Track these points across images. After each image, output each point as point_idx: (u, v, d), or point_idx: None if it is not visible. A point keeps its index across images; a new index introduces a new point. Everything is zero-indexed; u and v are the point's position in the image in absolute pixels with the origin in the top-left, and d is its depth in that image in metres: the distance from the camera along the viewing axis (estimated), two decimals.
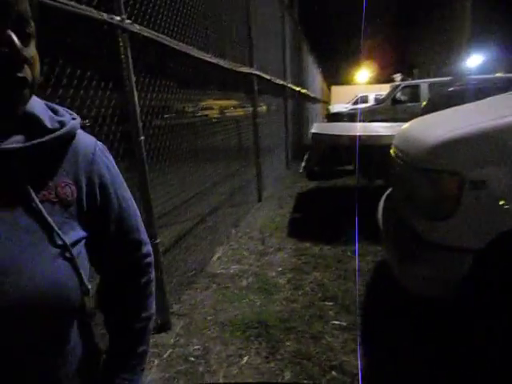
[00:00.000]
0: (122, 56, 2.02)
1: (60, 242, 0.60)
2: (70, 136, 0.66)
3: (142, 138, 2.10)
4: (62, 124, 0.64)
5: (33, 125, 0.61)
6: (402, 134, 2.31)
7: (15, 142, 0.58)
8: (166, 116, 3.02)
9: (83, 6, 1.74)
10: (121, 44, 2.00)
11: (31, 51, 0.57)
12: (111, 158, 0.76)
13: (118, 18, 1.96)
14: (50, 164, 0.64)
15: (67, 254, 0.60)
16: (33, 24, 0.58)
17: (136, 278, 0.81)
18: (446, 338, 2.11)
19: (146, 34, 2.13)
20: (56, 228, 0.60)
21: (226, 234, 3.98)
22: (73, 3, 1.66)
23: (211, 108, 4.78)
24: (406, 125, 2.59)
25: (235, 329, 2.38)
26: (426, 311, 2.28)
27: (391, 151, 2.48)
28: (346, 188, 5.88)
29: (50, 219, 0.60)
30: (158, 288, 2.26)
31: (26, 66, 0.55)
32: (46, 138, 0.60)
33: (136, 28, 2.04)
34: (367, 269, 3.06)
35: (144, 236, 0.81)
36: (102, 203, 0.71)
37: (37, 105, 0.64)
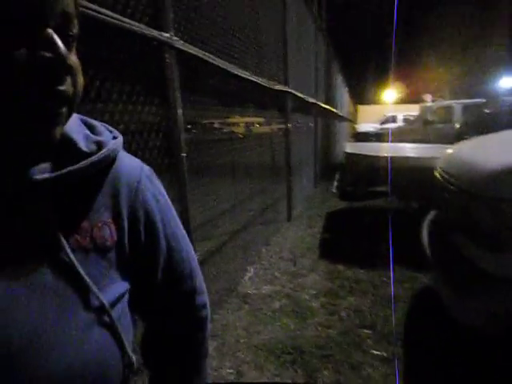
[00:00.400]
0: (168, 72, 2.02)
1: (96, 303, 0.47)
2: (110, 160, 0.52)
3: (184, 155, 2.08)
4: (99, 145, 0.51)
5: (64, 147, 0.48)
6: (452, 157, 2.22)
7: (41, 170, 0.45)
8: (200, 131, 3.02)
9: (133, 22, 1.76)
10: (167, 61, 2.01)
11: (74, 58, 0.45)
12: (160, 185, 0.62)
13: (167, 35, 1.97)
14: (84, 198, 0.50)
15: (106, 318, 0.48)
16: (77, 24, 0.46)
17: (188, 336, 0.68)
18: (499, 374, 1.97)
19: (192, 52, 2.13)
20: (91, 285, 0.47)
21: (256, 252, 3.92)
22: (125, 19, 1.68)
23: (245, 124, 4.79)
24: (454, 147, 2.50)
25: (269, 353, 2.29)
26: (476, 344, 2.14)
27: (437, 174, 2.38)
28: (379, 209, 5.73)
29: (84, 274, 0.47)
30: None
31: (67, 78, 0.43)
32: (80, 164, 0.47)
33: (184, 45, 2.04)
34: (406, 296, 2.92)
35: (199, 283, 0.67)
36: (148, 244, 0.57)
37: (70, 121, 0.51)
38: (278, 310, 2.82)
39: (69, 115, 0.46)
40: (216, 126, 3.75)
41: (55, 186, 0.45)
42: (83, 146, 0.50)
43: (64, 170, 0.46)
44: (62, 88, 0.42)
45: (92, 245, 0.49)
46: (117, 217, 0.53)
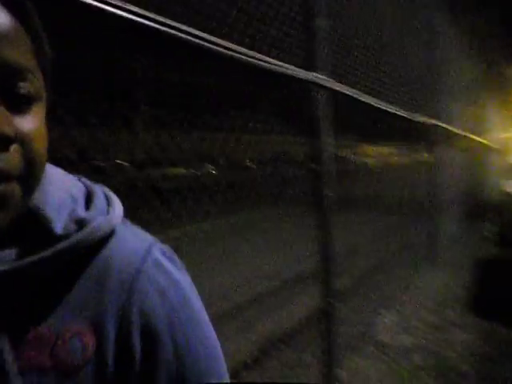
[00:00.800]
0: (318, 110, 2.04)
1: None
2: (92, 244, 0.40)
3: (331, 194, 2.05)
4: (81, 224, 0.40)
5: (35, 228, 0.39)
6: None
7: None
8: (340, 165, 2.99)
9: (287, 65, 1.84)
10: (317, 100, 2.03)
11: (29, 123, 0.35)
12: (176, 270, 0.45)
13: (318, 75, 2.00)
14: (49, 297, 0.39)
15: None
16: (37, 79, 0.37)
17: None
18: None
19: (343, 91, 2.13)
20: None
21: (393, 297, 3.63)
22: (284, 64, 1.77)
23: (384, 157, 4.61)
24: None
25: None
26: None
27: None
28: None
29: None
30: (323, 350, 2.12)
31: (13, 148, 0.34)
32: (45, 253, 0.37)
33: (338, 86, 2.05)
34: None
35: None
36: (147, 358, 0.41)
37: (53, 188, 0.41)
38: (419, 366, 2.54)
39: (25, 194, 0.36)
40: (353, 159, 3.68)
41: (10, 281, 0.36)
42: (58, 226, 0.39)
43: (21, 262, 0.36)
44: None
45: (51, 363, 0.37)
46: (98, 323, 0.39)
